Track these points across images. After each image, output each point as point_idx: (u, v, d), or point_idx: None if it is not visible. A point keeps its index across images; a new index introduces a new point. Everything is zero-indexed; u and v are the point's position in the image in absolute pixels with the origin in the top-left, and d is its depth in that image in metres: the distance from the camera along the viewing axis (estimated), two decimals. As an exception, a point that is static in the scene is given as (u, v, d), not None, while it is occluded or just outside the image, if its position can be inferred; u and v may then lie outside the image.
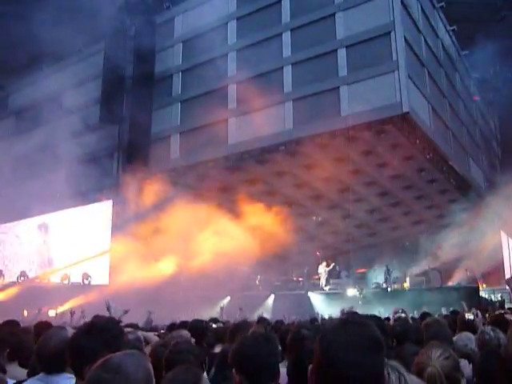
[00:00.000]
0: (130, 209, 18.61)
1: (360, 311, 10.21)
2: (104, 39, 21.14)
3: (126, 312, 6.71)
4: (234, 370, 2.45)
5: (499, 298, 18.55)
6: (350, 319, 1.57)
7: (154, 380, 1.77)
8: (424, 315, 8.39)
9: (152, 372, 1.78)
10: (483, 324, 4.94)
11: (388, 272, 21.18)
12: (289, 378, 2.88)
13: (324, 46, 17.49)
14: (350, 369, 1.39)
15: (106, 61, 20.94)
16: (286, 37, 18.48)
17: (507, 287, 18.62)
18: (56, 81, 22.21)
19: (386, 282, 21.01)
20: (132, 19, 20.99)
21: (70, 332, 2.82)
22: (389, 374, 1.59)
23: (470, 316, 5.04)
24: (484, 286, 21.59)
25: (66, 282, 19.43)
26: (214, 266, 18.66)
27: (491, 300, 19.14)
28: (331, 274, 21.98)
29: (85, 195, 20.31)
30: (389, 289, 20.15)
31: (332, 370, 1.40)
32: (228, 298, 19.24)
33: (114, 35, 20.60)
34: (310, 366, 1.48)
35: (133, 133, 20.13)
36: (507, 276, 24.02)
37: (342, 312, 10.48)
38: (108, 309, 6.16)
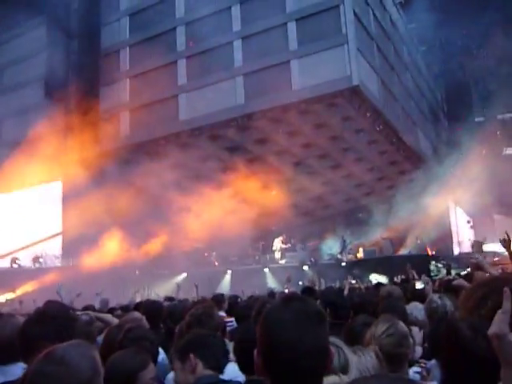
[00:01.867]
0: (80, 189, 18.14)
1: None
2: (45, 12, 20.21)
3: (78, 295, 6.57)
4: None
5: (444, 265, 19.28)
6: (291, 296, 1.58)
7: (101, 370, 1.73)
8: (378, 285, 8.64)
9: (99, 362, 1.73)
10: (433, 292, 5.09)
11: (344, 243, 21.58)
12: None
13: (274, 20, 17.37)
14: (298, 345, 1.39)
15: (48, 34, 20.09)
16: (236, 11, 18.23)
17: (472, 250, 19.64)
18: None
19: (341, 252, 21.40)
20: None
21: (21, 320, 2.73)
22: None
23: (420, 285, 5.19)
24: (433, 252, 22.36)
25: (15, 265, 18.87)
26: (169, 244, 18.59)
27: (437, 266, 19.85)
28: (287, 248, 22.24)
29: (33, 176, 19.64)
30: (344, 259, 20.56)
31: (280, 349, 1.40)
32: (184, 275, 19.16)
33: (56, 7, 19.71)
34: (255, 350, 1.47)
35: (80, 110, 19.48)
36: (455, 240, 25.08)
37: (288, 279, 10.64)
38: (58, 293, 6.00)
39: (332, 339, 1.67)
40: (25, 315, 2.94)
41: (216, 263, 22.13)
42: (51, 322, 2.36)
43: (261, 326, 1.47)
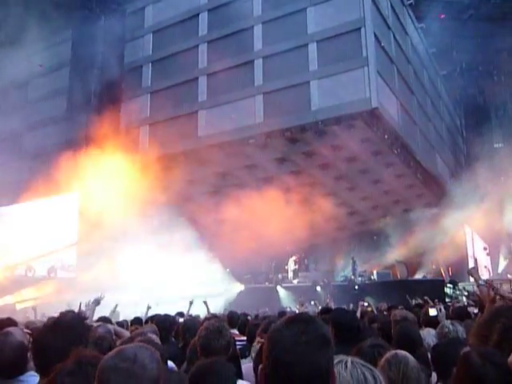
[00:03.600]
0: (97, 201, 18.30)
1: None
2: (72, 27, 20.67)
3: (98, 302, 6.47)
4: None
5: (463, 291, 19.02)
6: (295, 317, 1.58)
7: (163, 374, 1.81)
8: (391, 308, 8.56)
9: (162, 365, 1.83)
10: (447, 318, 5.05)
11: (354, 264, 21.49)
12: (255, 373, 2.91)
13: (295, 41, 17.54)
14: (295, 367, 1.40)
15: (73, 49, 20.51)
16: (258, 30, 18.45)
17: (471, 278, 19.13)
18: (22, 69, 21.67)
19: (353, 274, 21.30)
20: (101, 7, 20.56)
21: (19, 333, 2.77)
22: (364, 374, 1.62)
23: (433, 312, 5.13)
24: (448, 279, 22.09)
25: (30, 274, 19.03)
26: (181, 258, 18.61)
27: (454, 293, 19.59)
28: (300, 268, 22.17)
29: (52, 187, 19.88)
30: (356, 280, 20.43)
31: (278, 369, 1.41)
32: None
33: (83, 23, 20.16)
34: (260, 366, 1.49)
35: (101, 124, 19.75)
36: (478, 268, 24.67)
37: (301, 303, 10.61)
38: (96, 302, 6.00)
39: (360, 361, 1.67)
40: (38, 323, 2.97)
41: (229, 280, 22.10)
42: (66, 332, 2.41)
43: (265, 344, 1.50)
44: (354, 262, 21.50)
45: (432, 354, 3.29)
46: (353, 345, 3.48)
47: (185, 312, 8.53)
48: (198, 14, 19.86)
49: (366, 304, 8.27)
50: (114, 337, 4.16)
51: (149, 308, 8.49)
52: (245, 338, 5.32)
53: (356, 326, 4.19)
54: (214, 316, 7.00)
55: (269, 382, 1.45)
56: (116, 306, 8.18)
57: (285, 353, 1.41)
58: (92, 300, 5.93)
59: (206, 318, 5.94)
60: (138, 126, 20.28)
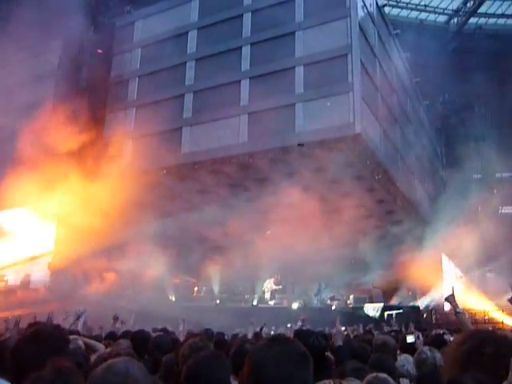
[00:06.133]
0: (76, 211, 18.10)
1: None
2: (60, 37, 20.62)
3: (80, 315, 6.30)
4: None
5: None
6: (276, 337, 1.64)
7: None
8: (367, 332, 8.63)
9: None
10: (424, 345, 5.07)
11: (319, 287, 21.71)
12: None
13: (282, 63, 17.73)
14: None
15: (61, 59, 20.45)
16: (246, 50, 18.63)
17: (447, 304, 19.21)
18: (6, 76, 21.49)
19: (316, 295, 21.53)
20: (91, 19, 20.60)
21: None
22: None
23: (411, 339, 5.14)
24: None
25: (2, 283, 18.68)
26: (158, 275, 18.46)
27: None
28: (277, 289, 22.13)
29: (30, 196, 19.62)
30: (318, 304, 20.62)
31: None
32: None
33: (71, 34, 20.13)
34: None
35: (85, 135, 19.64)
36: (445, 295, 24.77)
37: (302, 321, 10.86)
38: (76, 315, 5.90)
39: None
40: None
41: (204, 299, 21.95)
42: (46, 342, 2.40)
43: (247, 362, 1.53)
44: (319, 285, 21.77)
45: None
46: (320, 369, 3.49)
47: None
48: (187, 32, 20.00)
49: (343, 328, 8.28)
50: (84, 350, 4.09)
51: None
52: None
53: (320, 349, 4.12)
54: (194, 334, 6.89)
55: None
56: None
57: (269, 370, 1.46)
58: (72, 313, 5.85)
59: (188, 336, 5.85)
60: (121, 139, 20.17)
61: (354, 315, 18.26)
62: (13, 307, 15.64)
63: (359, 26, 17.14)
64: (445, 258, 26.91)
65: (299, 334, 5.80)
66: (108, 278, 18.51)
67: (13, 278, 18.93)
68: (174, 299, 21.18)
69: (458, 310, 4.14)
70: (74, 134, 19.53)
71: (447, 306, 21.10)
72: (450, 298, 4.31)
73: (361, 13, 17.69)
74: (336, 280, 22.11)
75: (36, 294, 17.17)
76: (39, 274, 19.04)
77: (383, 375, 2.69)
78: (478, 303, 22.93)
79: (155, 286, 19.56)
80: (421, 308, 21.13)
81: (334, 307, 20.12)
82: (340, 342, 4.56)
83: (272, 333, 11.89)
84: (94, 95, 20.07)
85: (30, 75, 21.34)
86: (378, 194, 19.96)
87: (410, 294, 21.61)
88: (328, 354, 4.20)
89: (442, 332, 8.69)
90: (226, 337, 7.19)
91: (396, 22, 24.47)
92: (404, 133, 22.19)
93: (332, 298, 21.36)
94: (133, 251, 17.94)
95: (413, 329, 7.58)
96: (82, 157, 19.44)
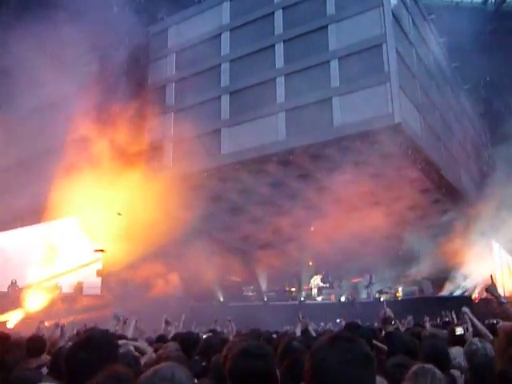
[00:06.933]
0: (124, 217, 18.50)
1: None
2: (98, 49, 21.13)
3: (118, 318, 6.45)
4: None
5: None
6: (339, 335, 1.55)
7: None
8: (416, 325, 8.47)
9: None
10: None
11: (370, 280, 21.38)
12: None
13: (317, 58, 17.63)
14: None
15: (100, 70, 20.93)
16: (279, 48, 18.61)
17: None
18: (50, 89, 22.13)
19: (367, 291, 21.22)
20: (126, 30, 21.00)
21: None
22: None
23: (460, 331, 5.02)
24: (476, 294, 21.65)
25: (57, 292, 19.26)
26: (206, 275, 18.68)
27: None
28: (324, 286, 22.05)
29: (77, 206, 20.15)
30: (371, 297, 20.33)
31: None
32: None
33: (109, 45, 20.62)
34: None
35: (126, 142, 20.09)
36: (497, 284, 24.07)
37: (343, 316, 10.70)
38: (116, 318, 6.03)
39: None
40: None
41: (253, 298, 22.06)
42: (97, 348, 2.45)
43: (308, 362, 1.48)
44: (370, 278, 21.43)
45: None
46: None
47: None
48: (220, 34, 20.16)
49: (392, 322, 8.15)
50: (135, 354, 4.18)
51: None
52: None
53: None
54: (243, 334, 6.94)
55: None
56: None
57: (331, 372, 1.40)
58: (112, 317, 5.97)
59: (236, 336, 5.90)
60: (162, 143, 20.52)
61: (403, 307, 17.96)
62: (67, 314, 16.16)
63: (392, 14, 16.86)
64: (495, 245, 26.12)
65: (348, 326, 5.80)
66: (162, 282, 18.86)
67: (66, 286, 19.50)
68: (222, 299, 21.38)
69: (501, 299, 4.00)
70: (118, 142, 20.02)
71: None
72: (491, 289, 4.14)
73: (393, 0, 17.41)
74: (384, 273, 21.83)
75: (89, 301, 17.65)
76: (91, 280, 19.56)
77: (429, 366, 2.63)
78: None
79: (205, 287, 19.79)
80: (472, 297, 20.59)
81: (382, 299, 19.84)
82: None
83: (319, 329, 11.86)
84: (133, 103, 20.46)
85: (71, 87, 21.91)
86: (421, 183, 19.58)
87: (461, 283, 21.05)
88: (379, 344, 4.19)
89: (495, 321, 8.44)
90: (274, 335, 7.20)
91: (430, 7, 23.79)
92: (445, 120, 21.68)
93: (380, 292, 21.05)
94: (184, 255, 18.18)
95: (468, 318, 7.41)
96: (127, 164, 19.88)
